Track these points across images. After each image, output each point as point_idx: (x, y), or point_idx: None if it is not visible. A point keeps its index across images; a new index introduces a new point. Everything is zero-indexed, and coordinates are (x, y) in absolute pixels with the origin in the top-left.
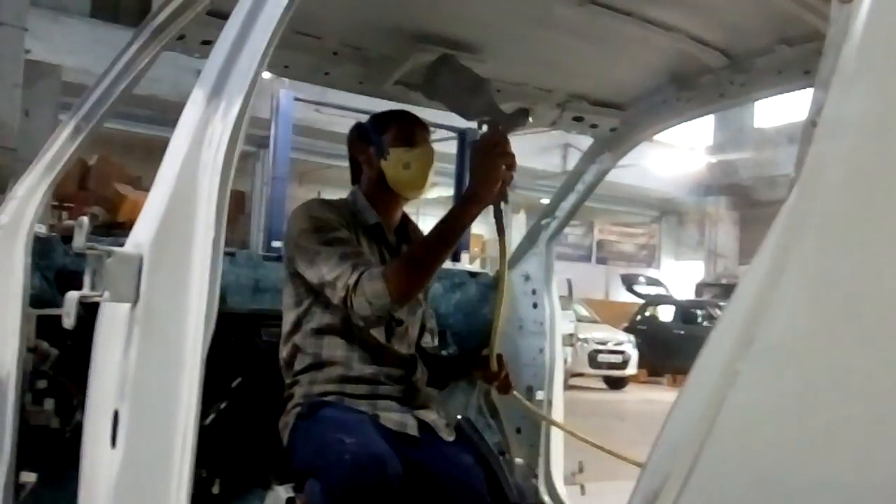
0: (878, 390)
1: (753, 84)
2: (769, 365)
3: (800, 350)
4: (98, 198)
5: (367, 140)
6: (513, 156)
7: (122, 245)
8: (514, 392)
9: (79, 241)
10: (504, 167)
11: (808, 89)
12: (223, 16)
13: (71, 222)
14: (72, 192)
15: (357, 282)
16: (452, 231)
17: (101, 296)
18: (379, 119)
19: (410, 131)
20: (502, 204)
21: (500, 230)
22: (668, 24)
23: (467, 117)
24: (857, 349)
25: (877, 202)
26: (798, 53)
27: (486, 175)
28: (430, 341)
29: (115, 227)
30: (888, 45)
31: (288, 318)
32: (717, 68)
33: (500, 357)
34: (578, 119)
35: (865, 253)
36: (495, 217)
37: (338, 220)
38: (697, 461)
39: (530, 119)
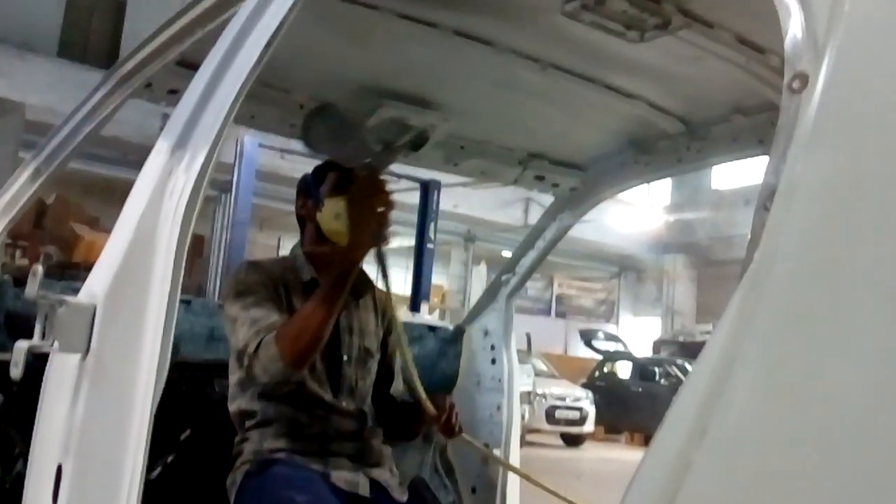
0: (830, 487)
1: (709, 150)
2: (722, 457)
3: (752, 444)
4: (54, 237)
5: (306, 193)
6: (388, 195)
7: (75, 288)
8: (464, 435)
9: (31, 289)
10: (381, 209)
11: (761, 157)
12: (191, 66)
13: (24, 262)
14: (27, 230)
15: (257, 348)
16: (337, 283)
17: (51, 346)
18: (318, 171)
19: (344, 180)
20: (383, 247)
21: (384, 274)
22: (627, 91)
23: (346, 164)
24: (809, 445)
25: (824, 297)
26: (752, 123)
27: (360, 219)
28: (401, 389)
29: (70, 268)
30: (835, 135)
31: (233, 380)
32: (674, 134)
33: (440, 398)
34: (539, 178)
35: (816, 347)
36: (377, 261)
37: (263, 281)
38: None
39: (399, 154)
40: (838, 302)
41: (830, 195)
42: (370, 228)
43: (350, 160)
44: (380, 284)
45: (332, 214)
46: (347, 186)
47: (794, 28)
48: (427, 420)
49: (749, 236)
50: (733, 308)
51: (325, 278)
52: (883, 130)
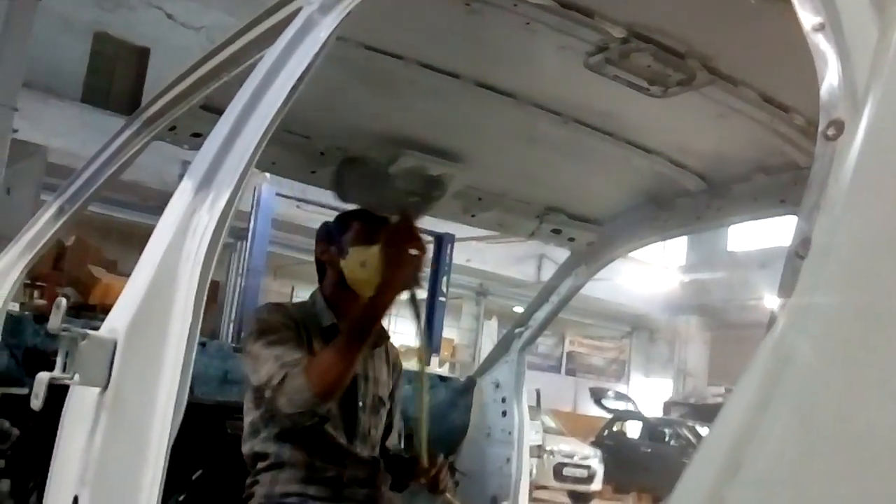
0: None
1: (730, 209)
2: (756, 493)
3: (787, 480)
4: (71, 279)
5: (329, 240)
6: (420, 240)
7: (93, 328)
8: (448, 495)
9: (54, 321)
10: (414, 252)
11: (782, 217)
12: (215, 110)
13: (41, 302)
14: (45, 271)
15: (282, 380)
16: (368, 321)
17: (71, 378)
18: (341, 219)
19: (370, 230)
20: (415, 290)
21: (416, 316)
22: (648, 147)
23: (378, 212)
24: (846, 481)
25: (866, 335)
26: (775, 182)
27: (394, 262)
28: (396, 443)
29: (86, 310)
30: (876, 183)
31: (248, 420)
32: (694, 191)
33: (434, 455)
34: (556, 231)
35: (857, 383)
36: (410, 304)
37: (285, 322)
38: None
39: (429, 205)
40: (881, 340)
41: (873, 242)
42: (403, 272)
43: (381, 209)
44: (412, 327)
45: (358, 263)
46: (373, 236)
47: (830, 76)
48: (419, 473)
49: (765, 298)
50: (771, 342)
51: (344, 324)
52: None
